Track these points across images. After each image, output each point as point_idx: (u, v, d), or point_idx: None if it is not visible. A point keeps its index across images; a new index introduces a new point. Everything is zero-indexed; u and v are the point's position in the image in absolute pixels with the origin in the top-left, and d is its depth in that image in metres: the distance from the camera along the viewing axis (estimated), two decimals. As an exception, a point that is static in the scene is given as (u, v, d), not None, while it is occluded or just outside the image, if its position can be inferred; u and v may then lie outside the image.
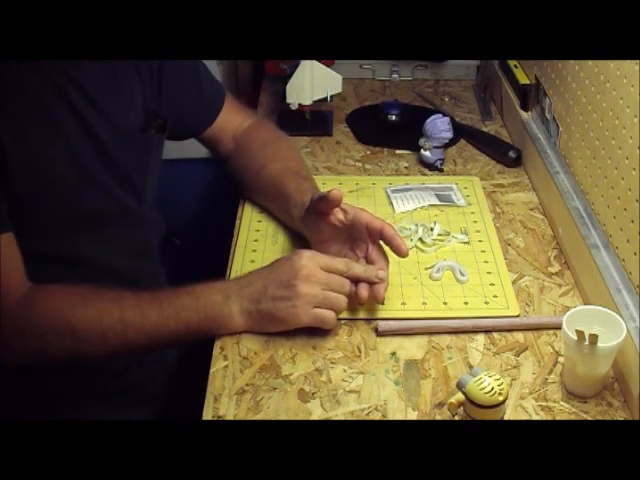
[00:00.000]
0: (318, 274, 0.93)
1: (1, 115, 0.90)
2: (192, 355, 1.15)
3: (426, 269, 1.09)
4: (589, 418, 0.87)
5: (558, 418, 0.87)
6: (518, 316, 1.01)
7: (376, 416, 0.87)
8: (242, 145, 1.22)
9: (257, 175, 1.18)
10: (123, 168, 1.03)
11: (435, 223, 1.18)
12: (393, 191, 1.27)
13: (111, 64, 0.99)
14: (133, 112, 1.03)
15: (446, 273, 1.08)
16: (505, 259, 1.12)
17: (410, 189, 1.27)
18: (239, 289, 0.95)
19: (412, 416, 0.87)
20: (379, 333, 0.98)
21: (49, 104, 0.94)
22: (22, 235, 0.93)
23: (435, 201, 1.24)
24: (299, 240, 1.14)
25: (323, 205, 1.01)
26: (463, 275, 1.07)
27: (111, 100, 1.00)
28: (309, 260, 0.94)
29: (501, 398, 0.81)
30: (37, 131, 0.93)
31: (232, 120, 1.23)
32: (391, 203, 1.25)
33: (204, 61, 1.19)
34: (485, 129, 1.48)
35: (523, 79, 1.40)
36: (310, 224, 1.05)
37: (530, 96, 1.36)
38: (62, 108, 0.95)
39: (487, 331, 0.99)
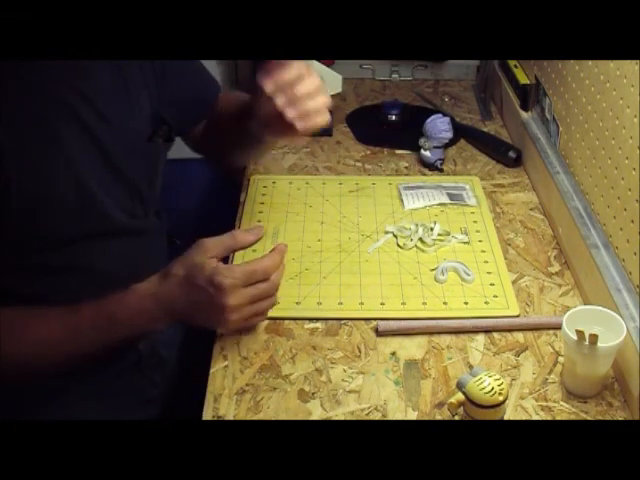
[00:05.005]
0: (242, 293, 0.91)
1: (6, 132, 0.88)
2: (192, 355, 1.14)
3: (431, 270, 1.08)
4: (589, 418, 0.87)
5: (558, 418, 0.87)
6: (518, 316, 1.01)
7: (376, 416, 0.87)
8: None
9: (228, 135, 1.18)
10: (132, 179, 1.02)
11: (435, 223, 1.17)
12: (405, 188, 1.27)
13: (119, 73, 0.98)
14: (141, 121, 1.03)
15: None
16: (505, 259, 1.12)
17: (422, 187, 1.28)
18: (162, 310, 0.93)
19: (412, 416, 0.87)
20: (379, 333, 0.98)
21: (56, 122, 0.92)
22: (26, 248, 0.93)
23: (446, 200, 1.24)
24: (299, 240, 1.14)
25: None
26: (468, 275, 1.07)
27: (120, 111, 0.98)
28: (229, 278, 0.90)
29: (501, 398, 0.81)
30: (42, 148, 0.91)
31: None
32: (401, 200, 1.25)
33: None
34: (485, 129, 1.48)
35: (523, 79, 1.40)
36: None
37: (530, 96, 1.36)
38: (70, 125, 0.93)
39: (487, 331, 0.99)
